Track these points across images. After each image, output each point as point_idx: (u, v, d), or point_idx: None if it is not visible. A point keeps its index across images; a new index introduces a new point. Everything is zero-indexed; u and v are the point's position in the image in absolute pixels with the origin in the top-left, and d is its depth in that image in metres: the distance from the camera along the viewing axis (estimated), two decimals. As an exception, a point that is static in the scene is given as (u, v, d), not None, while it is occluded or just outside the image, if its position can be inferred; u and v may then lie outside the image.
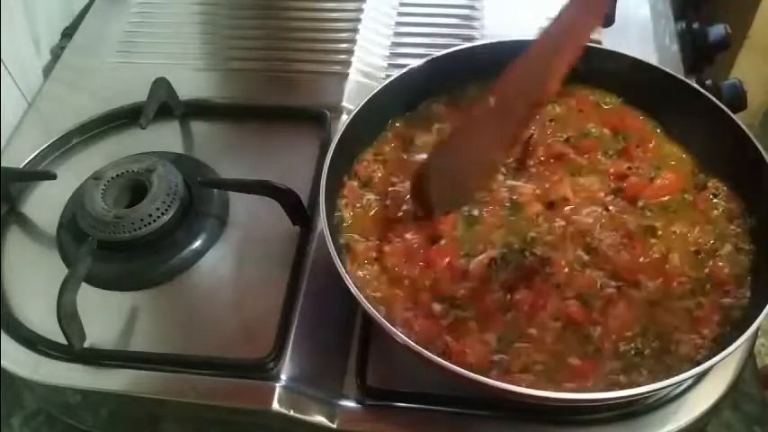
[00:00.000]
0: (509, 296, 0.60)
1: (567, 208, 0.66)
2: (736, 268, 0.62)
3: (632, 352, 0.57)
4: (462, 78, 0.75)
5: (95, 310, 0.65)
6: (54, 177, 0.76)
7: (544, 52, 0.62)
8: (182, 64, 0.90)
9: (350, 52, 0.89)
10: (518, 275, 0.61)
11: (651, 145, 0.71)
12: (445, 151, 0.66)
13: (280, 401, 0.60)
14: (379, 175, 0.70)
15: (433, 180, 0.64)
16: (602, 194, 0.67)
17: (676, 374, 0.52)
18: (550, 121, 0.73)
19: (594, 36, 0.75)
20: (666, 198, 0.67)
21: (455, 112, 0.74)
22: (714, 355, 0.52)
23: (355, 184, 0.69)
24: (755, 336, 0.58)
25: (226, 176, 0.76)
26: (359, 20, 0.94)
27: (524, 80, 0.62)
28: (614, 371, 0.56)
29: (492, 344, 0.57)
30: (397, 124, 0.74)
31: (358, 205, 0.67)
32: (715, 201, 0.67)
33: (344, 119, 0.72)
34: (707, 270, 0.62)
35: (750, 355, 0.63)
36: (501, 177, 0.69)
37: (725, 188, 0.67)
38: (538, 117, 0.71)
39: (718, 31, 0.87)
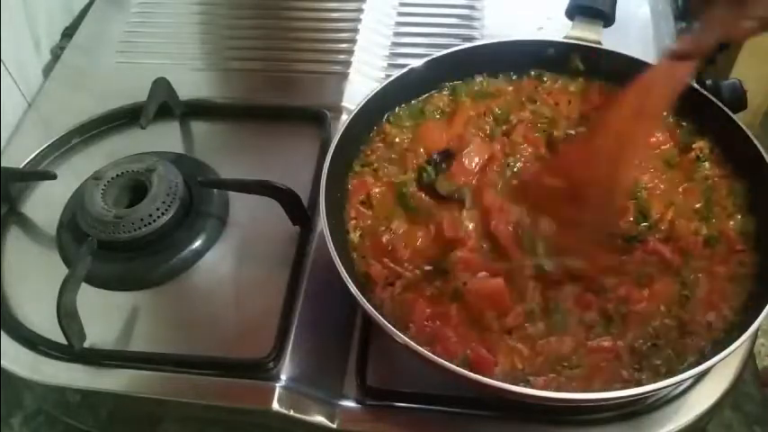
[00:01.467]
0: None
1: None
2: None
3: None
4: (462, 78, 0.76)
5: (95, 310, 0.65)
6: (54, 177, 0.76)
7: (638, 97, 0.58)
8: (182, 64, 0.90)
9: (350, 52, 0.89)
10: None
11: None
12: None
13: (280, 401, 0.60)
14: (378, 192, 0.68)
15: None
16: None
17: (676, 374, 0.52)
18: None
19: (594, 36, 0.75)
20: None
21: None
22: (714, 355, 0.52)
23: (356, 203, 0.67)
24: (755, 336, 0.58)
25: (226, 176, 0.76)
26: (359, 20, 0.94)
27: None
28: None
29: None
30: (378, 128, 0.73)
31: (364, 224, 0.66)
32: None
33: (344, 119, 0.72)
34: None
35: (750, 355, 0.63)
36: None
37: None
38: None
39: (718, 31, 0.86)
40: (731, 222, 0.64)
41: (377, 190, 0.68)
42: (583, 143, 0.60)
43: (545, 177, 0.61)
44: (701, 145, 0.69)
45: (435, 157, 0.69)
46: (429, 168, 0.68)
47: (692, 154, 0.69)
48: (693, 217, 0.65)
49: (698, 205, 0.66)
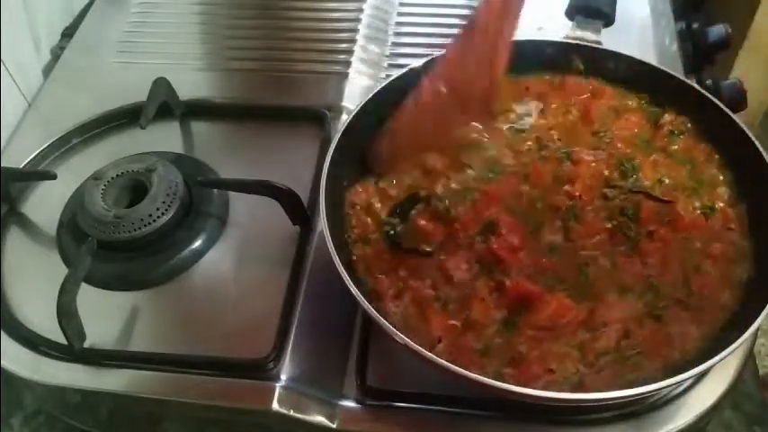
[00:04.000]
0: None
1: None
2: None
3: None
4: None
5: (95, 310, 0.65)
6: (54, 177, 0.76)
7: (483, 33, 0.64)
8: (182, 64, 0.90)
9: (350, 52, 0.89)
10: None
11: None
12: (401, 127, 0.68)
13: (280, 401, 0.60)
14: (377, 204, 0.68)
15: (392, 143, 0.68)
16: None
17: (676, 375, 0.52)
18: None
19: (594, 36, 0.76)
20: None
21: None
22: (714, 355, 0.52)
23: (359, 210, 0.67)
24: (755, 336, 0.58)
25: (226, 176, 0.76)
26: (359, 20, 0.94)
27: (470, 62, 0.64)
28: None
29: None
30: None
31: (368, 236, 0.65)
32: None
33: (344, 119, 0.72)
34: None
35: (750, 355, 0.63)
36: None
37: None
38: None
39: (718, 31, 0.87)
40: (721, 193, 0.66)
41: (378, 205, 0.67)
42: (458, 46, 0.65)
43: (434, 86, 0.66)
44: (669, 119, 0.71)
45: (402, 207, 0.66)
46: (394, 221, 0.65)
47: (665, 129, 0.71)
48: (683, 192, 0.66)
49: (684, 177, 0.67)
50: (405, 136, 0.68)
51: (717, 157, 0.69)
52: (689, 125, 0.71)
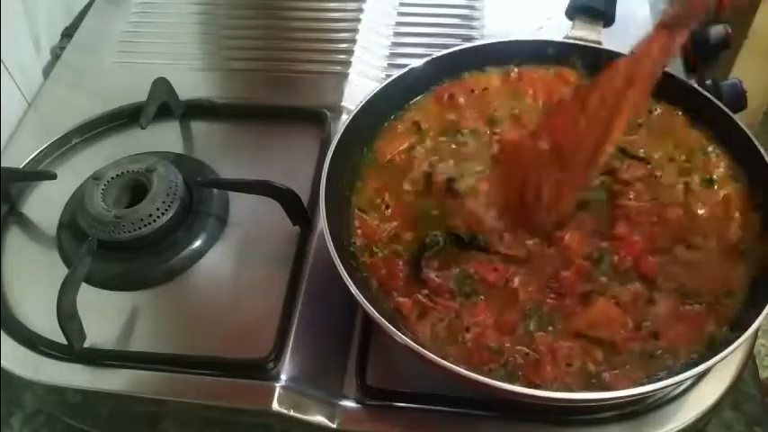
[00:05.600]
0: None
1: None
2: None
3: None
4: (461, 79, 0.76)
5: (95, 310, 0.65)
6: (54, 177, 0.77)
7: (612, 87, 0.59)
8: (182, 64, 0.90)
9: (350, 52, 0.89)
10: None
11: None
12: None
13: (280, 401, 0.60)
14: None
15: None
16: None
17: (676, 375, 0.52)
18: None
19: (594, 36, 0.76)
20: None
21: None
22: (714, 355, 0.52)
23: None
24: (755, 336, 0.58)
25: (226, 176, 0.76)
26: (359, 20, 0.94)
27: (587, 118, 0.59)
28: None
29: None
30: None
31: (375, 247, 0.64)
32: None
33: (344, 119, 0.72)
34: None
35: (750, 356, 0.63)
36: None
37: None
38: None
39: (718, 31, 0.87)
40: (716, 167, 0.67)
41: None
42: (571, 108, 0.60)
43: (532, 140, 0.62)
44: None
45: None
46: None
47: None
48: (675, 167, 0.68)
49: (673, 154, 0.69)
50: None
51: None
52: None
